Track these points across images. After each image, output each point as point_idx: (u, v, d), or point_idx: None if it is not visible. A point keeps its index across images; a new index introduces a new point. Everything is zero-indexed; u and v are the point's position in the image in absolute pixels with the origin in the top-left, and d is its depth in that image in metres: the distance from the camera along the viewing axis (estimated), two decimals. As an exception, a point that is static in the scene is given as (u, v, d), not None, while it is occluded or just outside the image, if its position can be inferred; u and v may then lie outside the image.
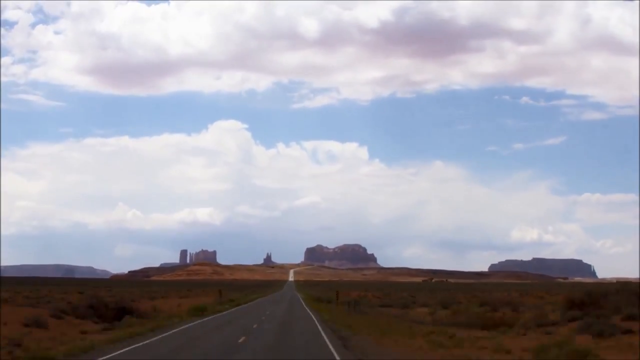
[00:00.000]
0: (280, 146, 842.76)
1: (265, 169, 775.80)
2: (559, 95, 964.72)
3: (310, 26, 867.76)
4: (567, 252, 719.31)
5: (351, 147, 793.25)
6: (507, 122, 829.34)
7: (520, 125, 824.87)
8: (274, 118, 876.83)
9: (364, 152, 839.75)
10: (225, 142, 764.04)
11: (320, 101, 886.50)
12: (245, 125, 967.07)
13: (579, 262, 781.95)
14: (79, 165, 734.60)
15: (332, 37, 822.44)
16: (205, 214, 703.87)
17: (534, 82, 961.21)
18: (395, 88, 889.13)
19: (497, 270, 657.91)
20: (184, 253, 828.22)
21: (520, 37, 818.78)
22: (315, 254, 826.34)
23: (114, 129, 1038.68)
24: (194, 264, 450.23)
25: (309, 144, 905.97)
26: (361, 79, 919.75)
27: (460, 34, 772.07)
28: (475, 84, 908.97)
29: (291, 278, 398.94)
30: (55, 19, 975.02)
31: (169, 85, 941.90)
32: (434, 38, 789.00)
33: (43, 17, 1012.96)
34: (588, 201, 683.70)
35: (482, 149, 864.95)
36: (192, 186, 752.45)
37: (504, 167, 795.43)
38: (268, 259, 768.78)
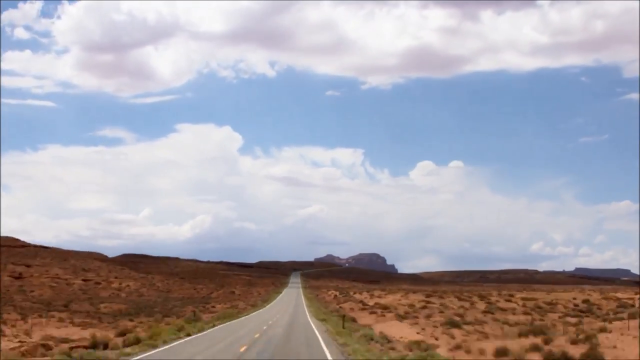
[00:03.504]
0: (276, 151, 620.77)
1: (262, 177, 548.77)
2: (618, 76, 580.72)
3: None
4: (601, 262, 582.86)
5: (354, 151, 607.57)
6: (549, 115, 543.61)
7: (563, 118, 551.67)
8: (272, 118, 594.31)
9: (371, 156, 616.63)
10: (212, 146, 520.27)
11: (331, 94, 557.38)
12: (236, 128, 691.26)
13: (627, 271, 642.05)
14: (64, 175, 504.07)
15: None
16: (199, 226, 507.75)
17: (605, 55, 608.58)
18: (420, 70, 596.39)
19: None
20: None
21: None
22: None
23: (94, 134, 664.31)
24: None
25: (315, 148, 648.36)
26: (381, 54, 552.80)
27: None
28: (521, 60, 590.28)
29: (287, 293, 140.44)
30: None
31: (152, 74, 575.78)
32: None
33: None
34: (617, 209, 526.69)
35: (512, 149, 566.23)
36: (178, 198, 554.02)
37: (532, 171, 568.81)
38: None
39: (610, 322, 48.88)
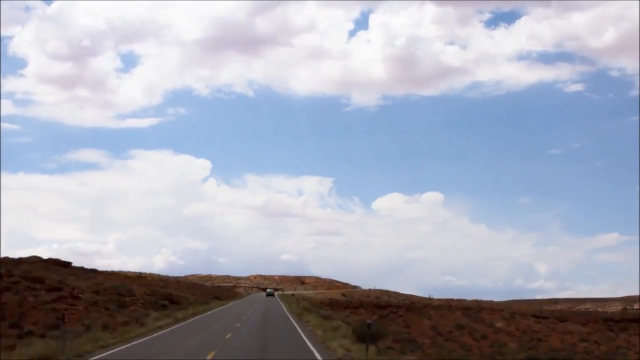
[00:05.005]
0: (249, 180, 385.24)
1: (232, 206, 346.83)
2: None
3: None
4: (589, 295, 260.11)
5: (322, 179, 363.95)
6: (544, 138, 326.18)
7: (559, 142, 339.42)
8: (245, 144, 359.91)
9: (342, 185, 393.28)
10: (180, 174, 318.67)
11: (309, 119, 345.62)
12: (205, 154, 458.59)
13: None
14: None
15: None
16: (167, 259, 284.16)
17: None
18: (406, 85, 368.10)
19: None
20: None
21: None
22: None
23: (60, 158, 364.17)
24: None
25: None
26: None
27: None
28: (518, 74, 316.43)
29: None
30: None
31: (121, 92, 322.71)
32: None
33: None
34: (604, 241, 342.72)
35: (497, 178, 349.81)
36: (147, 228, 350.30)
37: (517, 202, 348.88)
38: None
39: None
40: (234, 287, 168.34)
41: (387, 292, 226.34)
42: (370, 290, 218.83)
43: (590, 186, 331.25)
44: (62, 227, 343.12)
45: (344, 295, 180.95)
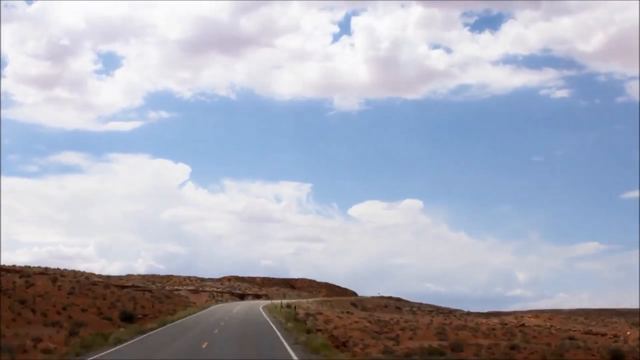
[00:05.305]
0: (231, 185, 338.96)
1: (214, 212, 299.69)
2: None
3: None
4: (569, 304, 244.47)
5: (300, 185, 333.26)
6: (526, 145, 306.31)
7: (541, 150, 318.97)
8: (224, 149, 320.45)
9: (321, 191, 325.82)
10: (161, 178, 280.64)
11: (292, 123, 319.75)
12: (184, 159, 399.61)
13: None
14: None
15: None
16: (147, 264, 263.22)
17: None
18: (390, 88, 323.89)
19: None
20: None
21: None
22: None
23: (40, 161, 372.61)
24: None
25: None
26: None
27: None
28: (503, 78, 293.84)
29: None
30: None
31: (102, 94, 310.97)
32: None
33: None
34: (584, 250, 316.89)
35: (477, 186, 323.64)
36: (128, 233, 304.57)
37: (497, 210, 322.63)
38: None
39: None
40: (195, 291, 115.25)
41: (400, 300, 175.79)
42: (380, 297, 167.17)
43: (572, 194, 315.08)
44: (43, 231, 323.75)
45: (354, 305, 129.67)
